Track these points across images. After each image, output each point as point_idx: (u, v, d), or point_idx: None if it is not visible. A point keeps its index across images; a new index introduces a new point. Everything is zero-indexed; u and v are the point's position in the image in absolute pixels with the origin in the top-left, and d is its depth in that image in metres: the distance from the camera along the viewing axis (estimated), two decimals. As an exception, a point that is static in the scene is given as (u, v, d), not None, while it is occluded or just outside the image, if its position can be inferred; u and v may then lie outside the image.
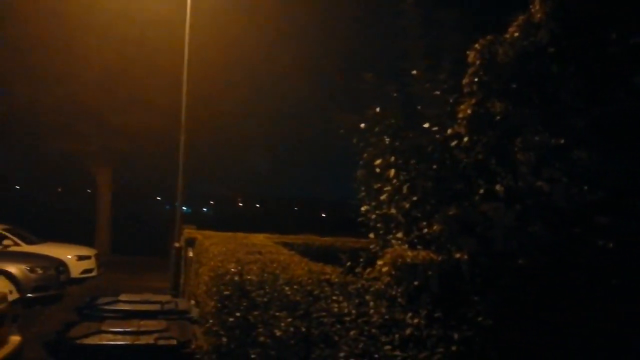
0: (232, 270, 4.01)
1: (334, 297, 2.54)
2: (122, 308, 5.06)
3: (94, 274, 14.77)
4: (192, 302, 5.27)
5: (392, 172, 3.27)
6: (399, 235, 3.26)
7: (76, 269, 13.97)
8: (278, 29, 20.29)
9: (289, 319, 2.29)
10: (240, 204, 59.37)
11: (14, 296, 8.52)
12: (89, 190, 32.94)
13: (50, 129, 18.70)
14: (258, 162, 27.03)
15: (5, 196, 38.47)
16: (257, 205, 59.06)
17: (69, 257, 13.88)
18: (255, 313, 2.67)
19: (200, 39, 14.79)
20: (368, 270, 3.65)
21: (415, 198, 3.09)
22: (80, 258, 14.47)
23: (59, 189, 39.29)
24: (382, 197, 3.36)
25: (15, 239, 14.06)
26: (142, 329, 4.31)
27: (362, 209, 3.73)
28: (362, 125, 3.50)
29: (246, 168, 26.52)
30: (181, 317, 5.01)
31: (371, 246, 3.71)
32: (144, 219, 29.35)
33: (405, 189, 3.16)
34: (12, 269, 10.75)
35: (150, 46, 17.09)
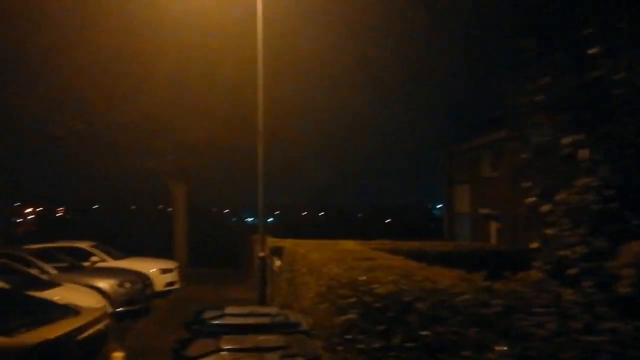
0: (363, 278, 3.59)
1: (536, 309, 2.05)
2: (232, 322, 4.75)
3: (177, 286, 14.93)
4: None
5: (586, 152, 2.71)
6: (581, 231, 2.71)
7: (160, 282, 14.14)
8: (360, 32, 19.21)
9: (501, 340, 1.82)
10: (304, 213, 59.47)
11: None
12: (160, 207, 34.10)
13: (126, 147, 19.24)
14: (322, 172, 26.92)
15: (86, 215, 40.62)
16: (321, 214, 58.91)
17: (153, 270, 14.05)
18: (439, 330, 2.21)
19: (270, 49, 14.64)
20: (526, 273, 3.11)
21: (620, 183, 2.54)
22: (164, 271, 14.64)
23: (133, 207, 40.94)
24: (577, 182, 2.79)
25: (102, 254, 14.42)
26: (261, 345, 3.98)
27: (527, 200, 3.19)
28: (538, 98, 2.94)
29: (310, 178, 26.39)
30: (294, 331, 4.64)
31: (532, 245, 3.16)
32: (214, 232, 29.89)
33: (604, 171, 2.60)
34: (103, 284, 10.94)
35: (221, 60, 17.16)
